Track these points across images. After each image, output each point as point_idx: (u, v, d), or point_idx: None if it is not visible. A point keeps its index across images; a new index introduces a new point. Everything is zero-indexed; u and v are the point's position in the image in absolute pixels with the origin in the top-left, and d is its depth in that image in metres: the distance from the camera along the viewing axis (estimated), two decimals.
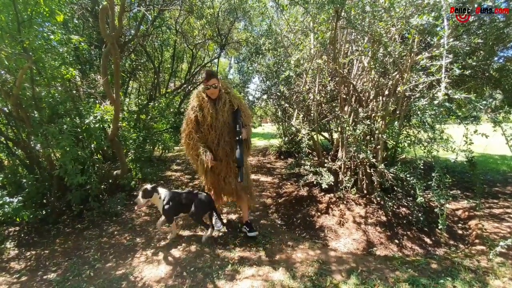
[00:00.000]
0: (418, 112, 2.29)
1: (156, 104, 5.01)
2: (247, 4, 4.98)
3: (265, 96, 6.65)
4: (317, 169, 3.40)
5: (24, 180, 3.28)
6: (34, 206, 3.32)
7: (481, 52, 3.51)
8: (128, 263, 2.65)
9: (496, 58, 4.62)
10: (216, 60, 8.21)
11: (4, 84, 2.84)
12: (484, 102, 2.20)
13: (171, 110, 6.33)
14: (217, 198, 3.17)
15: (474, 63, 3.42)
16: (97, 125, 2.98)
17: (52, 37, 3.33)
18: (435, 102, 1.52)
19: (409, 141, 3.18)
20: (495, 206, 3.77)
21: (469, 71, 4.03)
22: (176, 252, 2.82)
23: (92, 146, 3.66)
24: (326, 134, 6.02)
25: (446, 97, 1.48)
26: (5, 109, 3.35)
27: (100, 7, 2.32)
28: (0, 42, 2.61)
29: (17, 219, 2.88)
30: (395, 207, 3.43)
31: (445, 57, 1.47)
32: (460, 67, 1.48)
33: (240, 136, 2.65)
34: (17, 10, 2.64)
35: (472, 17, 2.40)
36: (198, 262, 2.62)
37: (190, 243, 3.00)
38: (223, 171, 2.88)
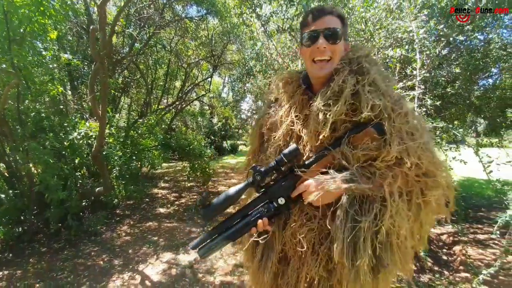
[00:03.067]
0: None
1: (146, 121, 5.02)
2: (238, 29, 5.19)
3: (256, 116, 6.76)
4: None
5: (3, 196, 3.16)
6: (11, 222, 3.19)
7: (459, 81, 3.68)
8: (102, 287, 2.52)
9: (476, 87, 4.85)
10: (209, 79, 8.37)
11: None
12: (461, 130, 2.28)
13: (163, 126, 6.34)
14: None
15: (453, 91, 3.56)
16: (81, 141, 2.94)
17: (44, 53, 3.37)
18: None
19: None
20: (480, 231, 3.78)
21: (451, 98, 4.20)
22: (155, 276, 2.71)
23: (76, 161, 3.59)
24: None
25: None
26: None
27: (91, 27, 2.38)
28: None
29: None
30: None
31: (417, 87, 1.54)
32: (432, 97, 1.55)
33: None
34: (8, 27, 2.68)
35: (446, 50, 2.53)
36: (176, 287, 2.51)
37: (171, 266, 2.89)
38: (293, 275, 0.98)
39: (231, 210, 1.04)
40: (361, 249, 0.79)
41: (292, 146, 0.89)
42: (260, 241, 0.95)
